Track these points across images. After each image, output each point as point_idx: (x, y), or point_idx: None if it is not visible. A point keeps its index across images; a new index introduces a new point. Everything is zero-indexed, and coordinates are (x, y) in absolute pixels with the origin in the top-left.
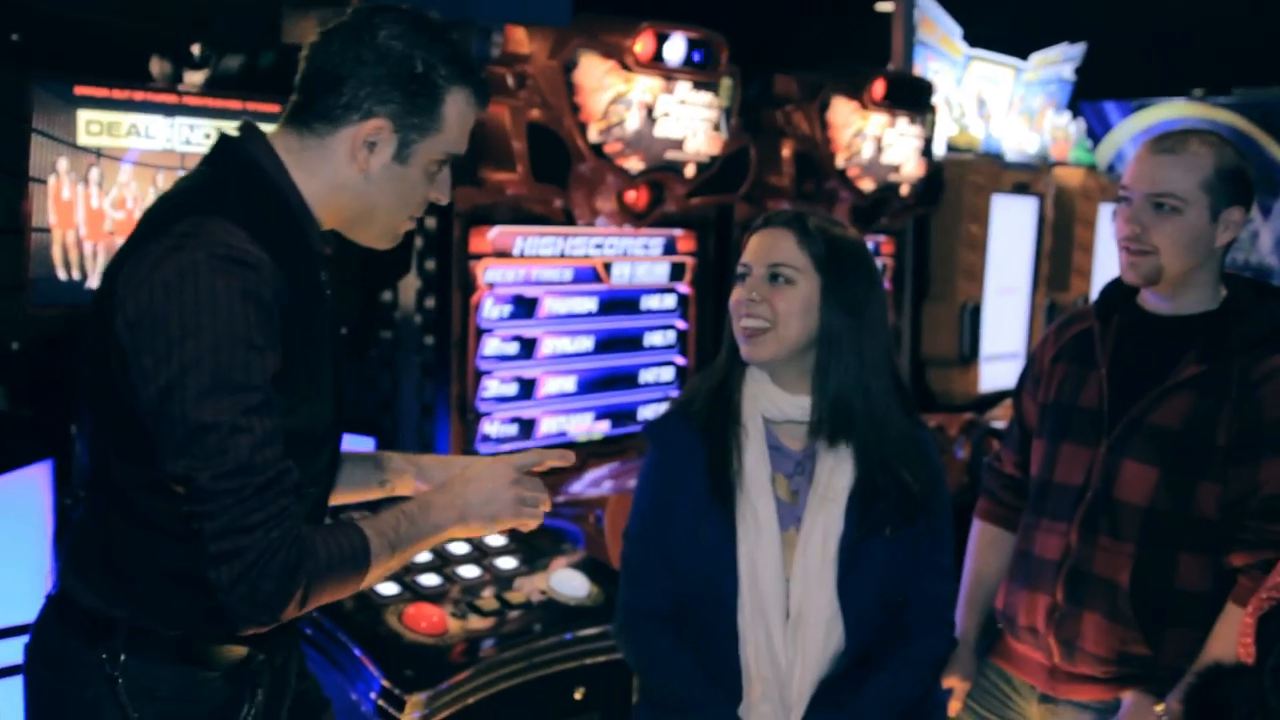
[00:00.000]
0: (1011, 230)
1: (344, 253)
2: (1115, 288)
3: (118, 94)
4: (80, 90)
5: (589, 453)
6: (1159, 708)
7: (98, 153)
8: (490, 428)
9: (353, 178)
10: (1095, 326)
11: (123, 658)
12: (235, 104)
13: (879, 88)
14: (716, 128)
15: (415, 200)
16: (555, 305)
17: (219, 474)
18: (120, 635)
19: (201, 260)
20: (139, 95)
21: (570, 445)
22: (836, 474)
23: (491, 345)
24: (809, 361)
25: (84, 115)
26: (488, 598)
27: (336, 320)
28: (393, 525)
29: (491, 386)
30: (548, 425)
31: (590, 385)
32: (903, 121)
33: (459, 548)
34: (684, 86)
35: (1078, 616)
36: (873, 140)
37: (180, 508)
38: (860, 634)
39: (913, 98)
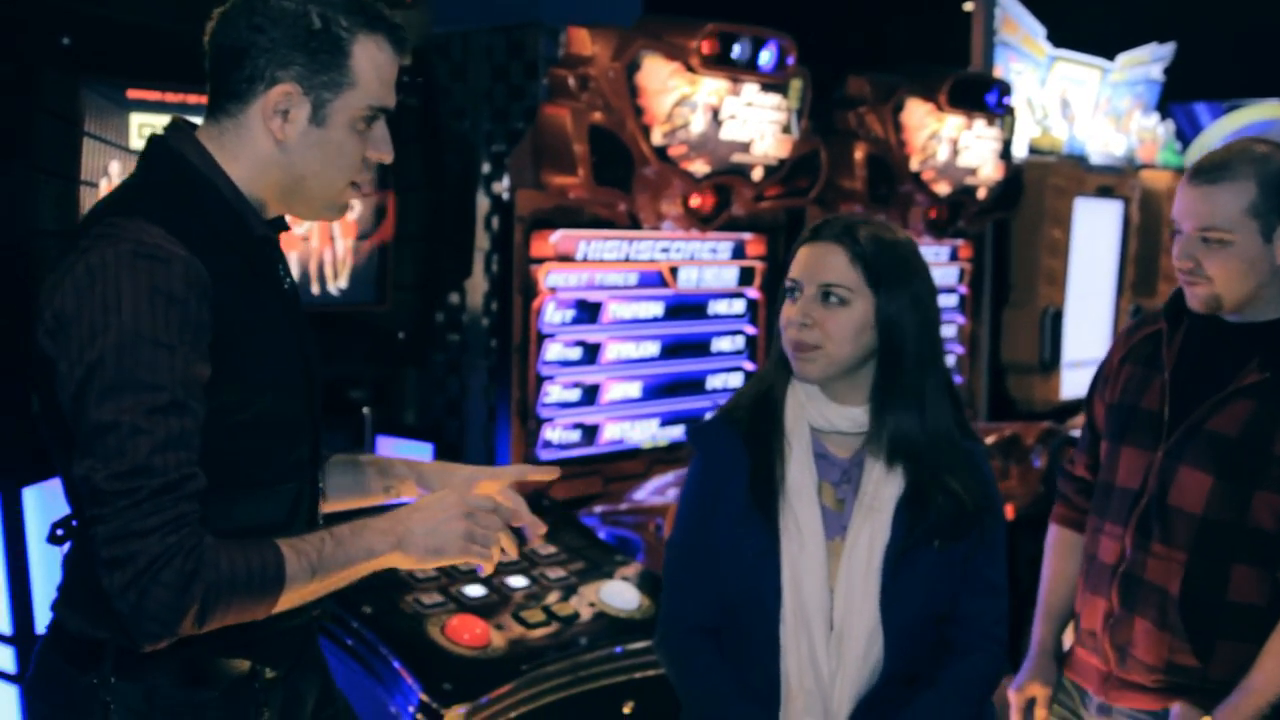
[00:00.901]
0: (1095, 234)
1: (400, 256)
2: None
3: (170, 97)
4: (133, 94)
5: (653, 459)
6: None
7: None
8: (552, 433)
9: (273, 151)
10: (1164, 329)
11: (113, 680)
12: None
13: (954, 89)
14: (785, 130)
15: (348, 163)
16: (620, 310)
17: (114, 474)
18: (108, 657)
19: (110, 259)
20: (192, 98)
21: (634, 451)
22: (884, 483)
23: (553, 350)
24: (860, 374)
25: (136, 119)
26: (534, 610)
27: (299, 307)
28: (316, 546)
29: (553, 392)
30: (611, 431)
31: (655, 391)
32: (980, 123)
33: (505, 557)
34: (751, 88)
35: (1129, 623)
36: (948, 143)
37: (84, 513)
38: (902, 648)
39: (990, 99)
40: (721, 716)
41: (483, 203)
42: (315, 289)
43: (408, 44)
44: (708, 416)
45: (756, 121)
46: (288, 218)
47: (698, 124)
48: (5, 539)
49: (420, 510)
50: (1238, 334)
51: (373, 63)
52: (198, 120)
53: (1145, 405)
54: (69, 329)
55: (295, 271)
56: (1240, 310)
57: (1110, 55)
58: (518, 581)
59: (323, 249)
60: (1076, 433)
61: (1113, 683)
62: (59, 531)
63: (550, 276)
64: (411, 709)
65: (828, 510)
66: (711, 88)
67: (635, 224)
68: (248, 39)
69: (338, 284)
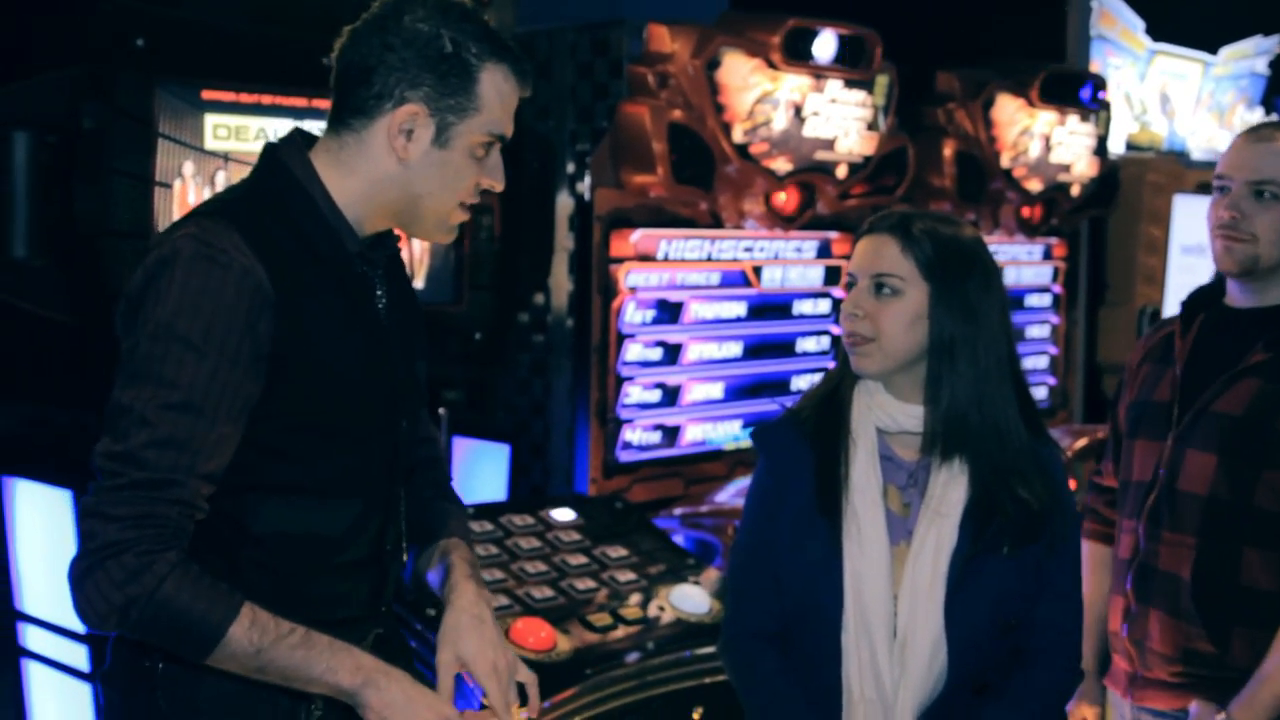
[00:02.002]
0: (1196, 231)
1: (477, 256)
2: (1202, 291)
3: (245, 98)
4: (208, 94)
5: (735, 461)
6: (1220, 716)
7: (225, 156)
8: (632, 434)
9: (393, 169)
10: (1178, 327)
11: (161, 665)
12: None
13: (1047, 84)
14: (870, 127)
15: (463, 187)
16: (701, 310)
17: (109, 454)
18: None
19: (174, 255)
20: (267, 99)
21: (716, 453)
22: (951, 487)
23: (633, 351)
24: (924, 370)
25: (211, 119)
26: (602, 613)
27: (405, 322)
28: (278, 632)
29: (633, 393)
30: (692, 433)
31: (738, 392)
32: (1073, 119)
33: (576, 560)
34: (834, 84)
35: (1145, 615)
36: (1040, 139)
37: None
38: (968, 657)
39: (1084, 94)
40: None
41: (567, 203)
42: None
43: (531, 77)
44: (773, 418)
45: (840, 118)
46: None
47: (779, 121)
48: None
49: (406, 684)
50: (1248, 319)
51: (498, 91)
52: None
53: (1157, 398)
54: (127, 314)
55: None
56: (1262, 285)
57: (1212, 49)
58: (585, 585)
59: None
60: None
61: (1138, 683)
62: None
63: (630, 276)
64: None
65: (893, 514)
66: (794, 84)
67: (717, 223)
68: (379, 57)
69: (414, 284)
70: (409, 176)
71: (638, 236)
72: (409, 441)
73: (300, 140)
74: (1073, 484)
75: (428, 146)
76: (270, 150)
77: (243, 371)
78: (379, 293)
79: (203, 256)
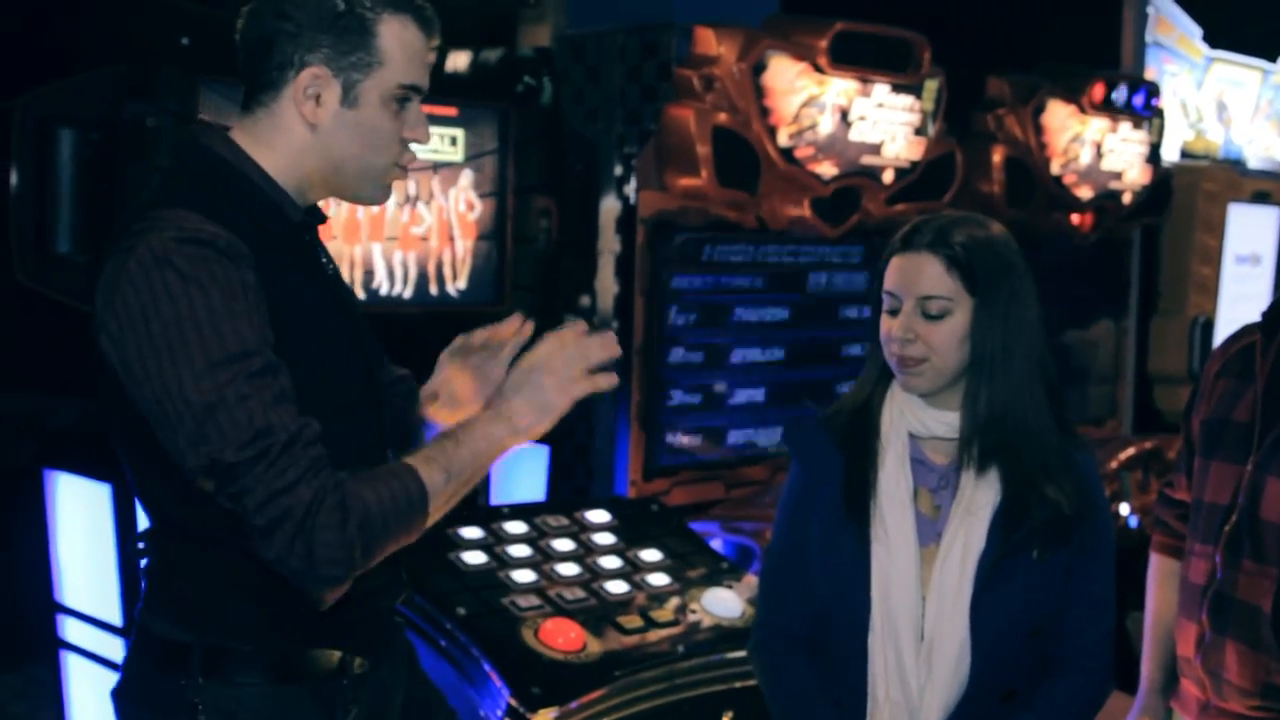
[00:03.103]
0: (1251, 241)
1: (520, 257)
2: None
3: None
4: None
5: (777, 466)
6: None
7: None
8: (673, 438)
9: (308, 137)
10: (1259, 341)
11: (201, 681)
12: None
13: (1099, 90)
14: (918, 132)
15: (384, 144)
16: (746, 314)
17: (239, 445)
18: (195, 658)
19: (157, 248)
20: None
21: (758, 457)
22: (981, 488)
23: (676, 354)
24: (961, 380)
25: None
26: (632, 615)
27: (346, 293)
28: (442, 451)
29: (675, 396)
30: (734, 437)
31: (781, 397)
32: (1125, 126)
33: (609, 562)
34: (882, 89)
35: (1221, 646)
36: (1091, 146)
37: (219, 502)
38: (993, 661)
39: (1137, 101)
40: None
41: (614, 205)
42: (434, 289)
43: (436, 24)
44: (805, 417)
45: (887, 123)
46: (322, 207)
47: (825, 125)
48: (117, 532)
49: (511, 390)
50: None
51: (400, 42)
52: None
53: (1236, 417)
54: (136, 327)
55: (413, 272)
56: None
57: (1271, 57)
58: (617, 587)
59: (441, 249)
60: None
61: (1211, 712)
62: (140, 545)
63: (675, 279)
64: (499, 712)
65: (923, 517)
66: (840, 88)
67: (762, 226)
68: (273, 27)
69: (456, 284)
70: (326, 142)
71: (682, 239)
72: (386, 395)
73: (217, 125)
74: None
75: (337, 108)
76: (189, 138)
77: (265, 323)
78: (324, 260)
79: (188, 239)
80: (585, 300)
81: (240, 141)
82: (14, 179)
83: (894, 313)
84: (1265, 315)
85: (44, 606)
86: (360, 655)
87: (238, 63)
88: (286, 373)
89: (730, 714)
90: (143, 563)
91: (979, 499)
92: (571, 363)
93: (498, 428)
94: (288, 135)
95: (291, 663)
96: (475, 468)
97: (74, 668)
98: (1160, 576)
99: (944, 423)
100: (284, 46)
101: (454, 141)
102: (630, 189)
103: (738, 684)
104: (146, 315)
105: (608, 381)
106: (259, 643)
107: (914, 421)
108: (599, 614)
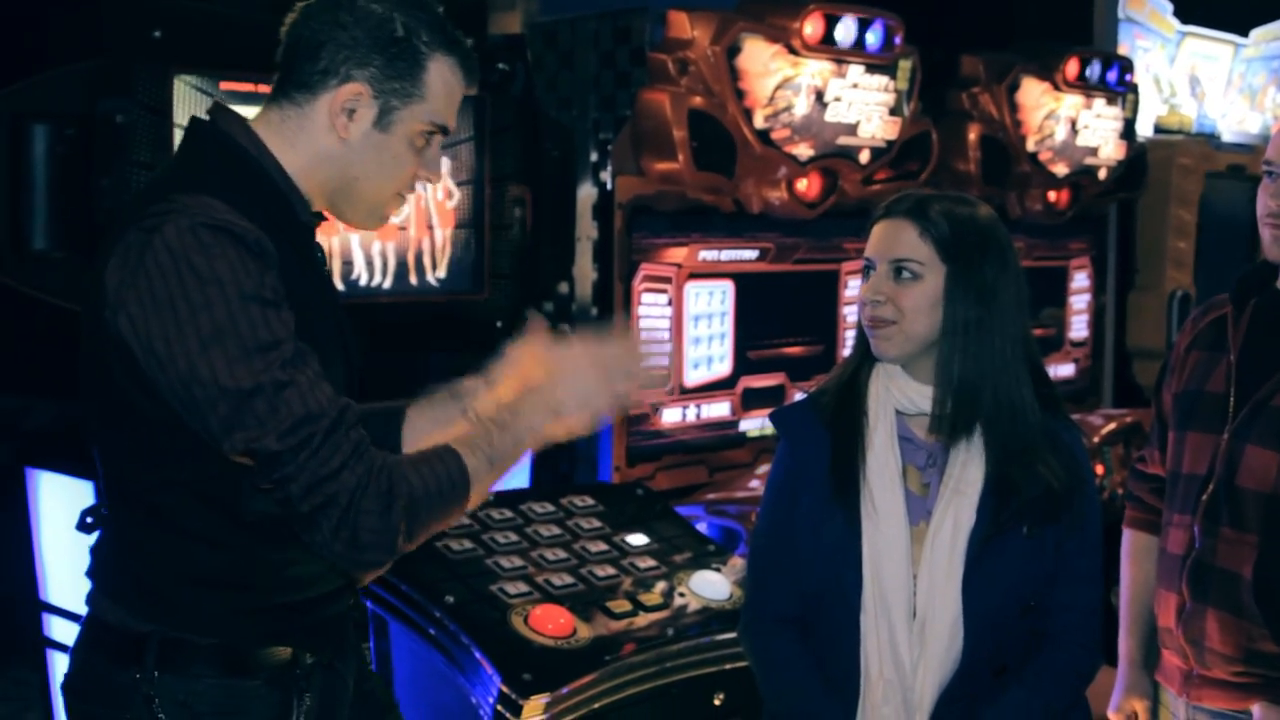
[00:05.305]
0: (1226, 215)
1: (498, 246)
2: (1253, 273)
3: (264, 89)
4: (226, 86)
5: (760, 448)
6: None
7: None
8: (654, 421)
9: (333, 147)
10: (1230, 312)
11: (156, 674)
12: None
13: (1072, 67)
14: (893, 112)
15: (400, 174)
16: (724, 297)
17: (282, 433)
18: (151, 650)
19: (187, 232)
20: None
21: (740, 440)
22: (969, 466)
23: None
24: (935, 350)
25: None
26: (621, 600)
27: (336, 295)
28: (486, 437)
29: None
30: (717, 419)
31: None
32: (1100, 102)
33: (596, 548)
34: (856, 69)
35: (1202, 614)
36: (1066, 122)
37: (258, 484)
38: (985, 637)
39: (1110, 77)
40: (800, 709)
41: (590, 192)
42: (414, 279)
43: (478, 75)
44: (793, 400)
45: (863, 103)
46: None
47: (801, 106)
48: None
49: (560, 378)
50: None
51: (444, 82)
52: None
53: (1210, 389)
54: (163, 311)
55: (392, 262)
56: None
57: (1243, 31)
58: (605, 571)
59: (420, 238)
60: None
61: (1194, 681)
62: (89, 519)
63: (651, 264)
64: (491, 699)
65: (912, 495)
66: (815, 69)
67: (740, 209)
68: (329, 33)
69: (436, 274)
70: (347, 157)
71: (659, 224)
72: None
73: (235, 113)
74: (1099, 469)
75: (368, 128)
76: (205, 125)
77: (291, 314)
78: (320, 260)
79: (219, 227)
80: (564, 287)
81: (261, 133)
82: None
83: (871, 278)
84: (1233, 287)
85: (29, 605)
86: (312, 652)
87: (278, 53)
88: (316, 358)
89: (721, 695)
90: (91, 538)
91: (967, 477)
92: (617, 360)
93: (540, 417)
94: (312, 139)
95: (245, 657)
96: (515, 455)
97: (61, 666)
98: (1135, 551)
99: (928, 397)
100: (334, 55)
101: None
102: (607, 175)
103: (727, 665)
104: (173, 298)
105: (648, 381)
106: (218, 636)
107: (899, 397)
108: (587, 599)
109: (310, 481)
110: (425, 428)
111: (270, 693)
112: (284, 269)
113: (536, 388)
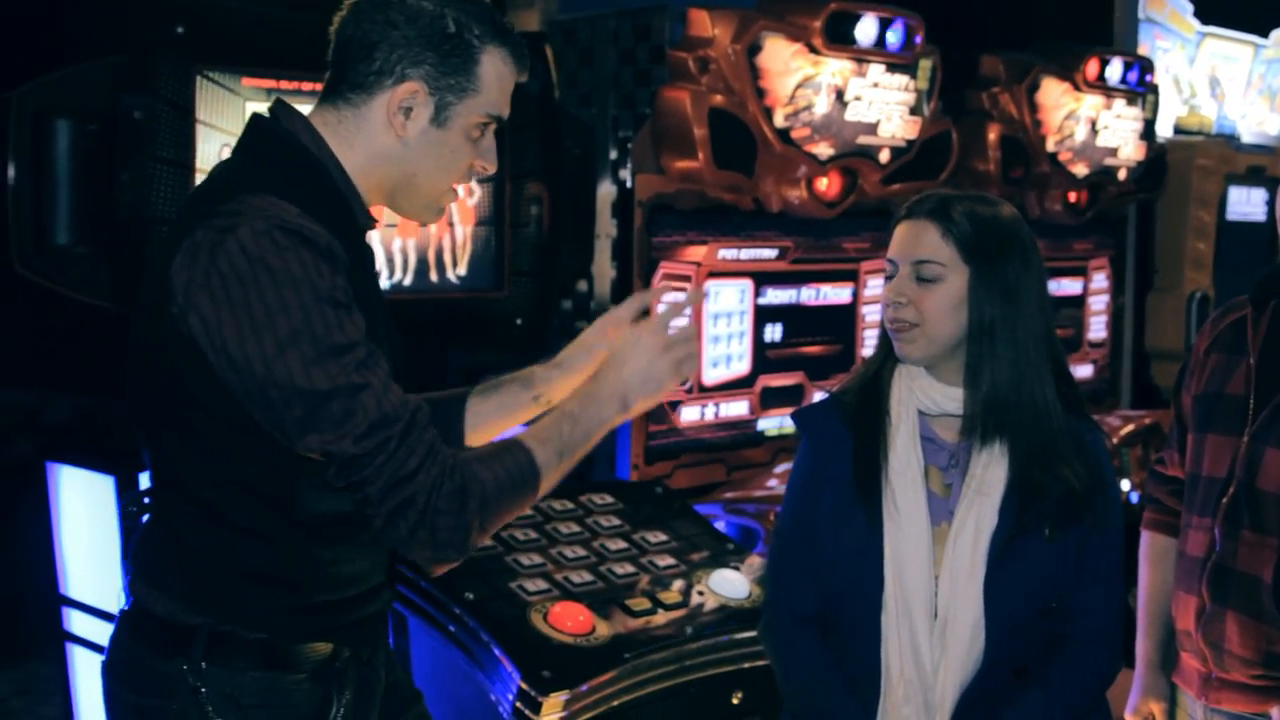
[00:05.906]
0: (1247, 215)
1: (518, 243)
2: (1273, 274)
3: (285, 85)
4: (248, 82)
5: (778, 447)
6: None
7: None
8: (671, 419)
9: (391, 145)
10: (1249, 314)
11: (204, 665)
12: None
13: (1093, 67)
14: (913, 111)
15: (458, 168)
16: (743, 295)
17: (358, 436)
18: (200, 643)
19: (263, 235)
20: (307, 86)
21: (758, 439)
22: (992, 467)
23: None
24: (960, 352)
25: (251, 106)
26: (640, 598)
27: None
28: (557, 431)
29: None
30: (734, 418)
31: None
32: (1120, 102)
33: (615, 545)
34: (877, 69)
35: (1222, 617)
36: (1086, 122)
37: (334, 483)
38: (1007, 639)
39: (1130, 77)
40: (820, 708)
41: (610, 189)
42: (434, 276)
43: (528, 61)
44: (816, 400)
45: (883, 103)
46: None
47: (821, 105)
48: (121, 524)
49: (627, 364)
50: None
51: (497, 73)
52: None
53: (1230, 391)
54: (239, 313)
55: (413, 259)
56: None
57: (1263, 31)
58: (624, 569)
59: (441, 236)
60: None
61: (1213, 684)
62: (132, 509)
63: (671, 261)
64: (510, 696)
65: (934, 495)
66: (835, 68)
67: (759, 208)
68: (382, 33)
69: (457, 271)
70: (406, 154)
71: (679, 221)
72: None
73: (295, 111)
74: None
75: (426, 125)
76: (268, 123)
77: (362, 320)
78: (371, 262)
79: (291, 230)
80: (583, 285)
81: (319, 131)
82: (11, 171)
83: (893, 279)
84: (1253, 289)
85: (49, 600)
86: (351, 647)
87: (329, 53)
88: (386, 360)
89: (740, 694)
90: (142, 521)
91: (989, 478)
92: (689, 344)
93: (611, 409)
94: (370, 139)
95: (289, 652)
96: (586, 446)
97: (80, 660)
98: (1153, 554)
99: (952, 399)
100: (387, 54)
101: None
102: (626, 173)
103: (746, 664)
104: (249, 301)
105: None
106: (266, 631)
107: (922, 398)
108: (606, 597)
109: (388, 484)
110: (490, 414)
111: (313, 687)
112: (349, 271)
113: (603, 373)
